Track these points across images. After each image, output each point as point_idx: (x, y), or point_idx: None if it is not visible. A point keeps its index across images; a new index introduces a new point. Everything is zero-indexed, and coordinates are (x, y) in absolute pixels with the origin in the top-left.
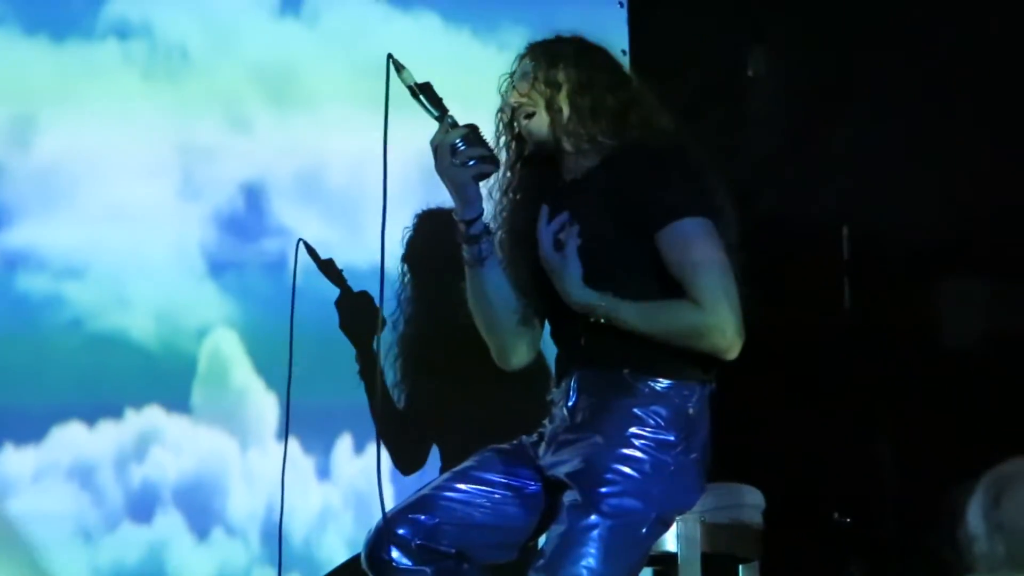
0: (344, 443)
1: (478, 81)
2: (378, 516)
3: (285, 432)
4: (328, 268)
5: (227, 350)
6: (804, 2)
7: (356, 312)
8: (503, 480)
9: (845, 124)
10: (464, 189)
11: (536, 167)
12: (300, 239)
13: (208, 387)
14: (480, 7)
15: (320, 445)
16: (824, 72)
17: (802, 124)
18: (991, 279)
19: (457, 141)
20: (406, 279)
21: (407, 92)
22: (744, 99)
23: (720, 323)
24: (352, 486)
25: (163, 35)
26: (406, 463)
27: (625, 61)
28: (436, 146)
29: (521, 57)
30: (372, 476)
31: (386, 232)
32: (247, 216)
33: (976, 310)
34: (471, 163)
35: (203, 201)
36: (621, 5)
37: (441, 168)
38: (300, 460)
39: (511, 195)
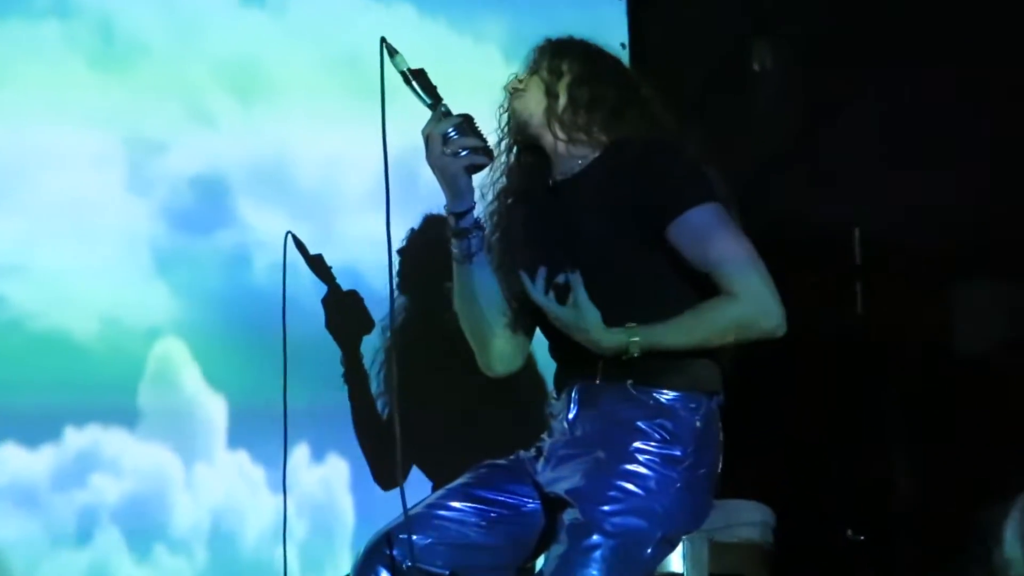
0: (302, 452)
1: (455, 74)
2: (337, 527)
3: (284, 439)
4: (316, 264)
5: (176, 354)
6: None
7: (344, 312)
8: (500, 497)
9: (856, 121)
10: (454, 180)
11: (529, 169)
12: (288, 232)
13: (155, 393)
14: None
15: (275, 454)
16: (834, 66)
17: (811, 121)
18: (1010, 283)
19: (449, 130)
20: (395, 285)
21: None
22: (749, 95)
23: (763, 307)
24: (309, 497)
25: (113, 19)
26: (387, 476)
27: (624, 55)
28: (427, 135)
29: (529, 53)
30: (331, 486)
31: (391, 226)
32: (201, 212)
33: (994, 316)
34: (463, 153)
35: (153, 195)
36: None
37: (432, 158)
38: (251, 470)
39: (503, 198)
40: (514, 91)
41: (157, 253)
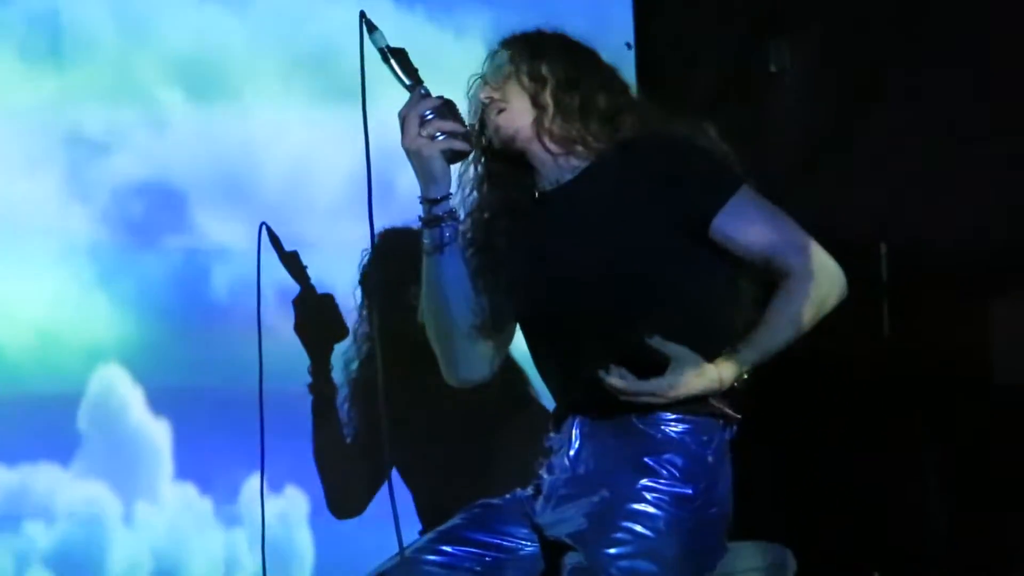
0: (253, 483)
1: (433, 69)
2: (293, 564)
3: (261, 466)
4: (291, 261)
5: (118, 374)
6: None
7: (317, 316)
8: (495, 540)
9: (880, 127)
10: (429, 163)
11: (506, 179)
12: (263, 223)
13: (94, 417)
14: None
15: (224, 484)
16: (855, 67)
17: (832, 127)
18: None
19: (427, 112)
20: (363, 309)
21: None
22: (765, 99)
23: (830, 278)
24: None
25: (55, 10)
26: (341, 506)
27: (631, 56)
28: (404, 116)
29: (494, 52)
30: (288, 519)
31: (374, 225)
32: (148, 219)
33: None
34: (439, 136)
35: (93, 200)
36: None
37: (407, 140)
38: (197, 502)
39: (479, 214)
40: (492, 103)
41: (100, 262)
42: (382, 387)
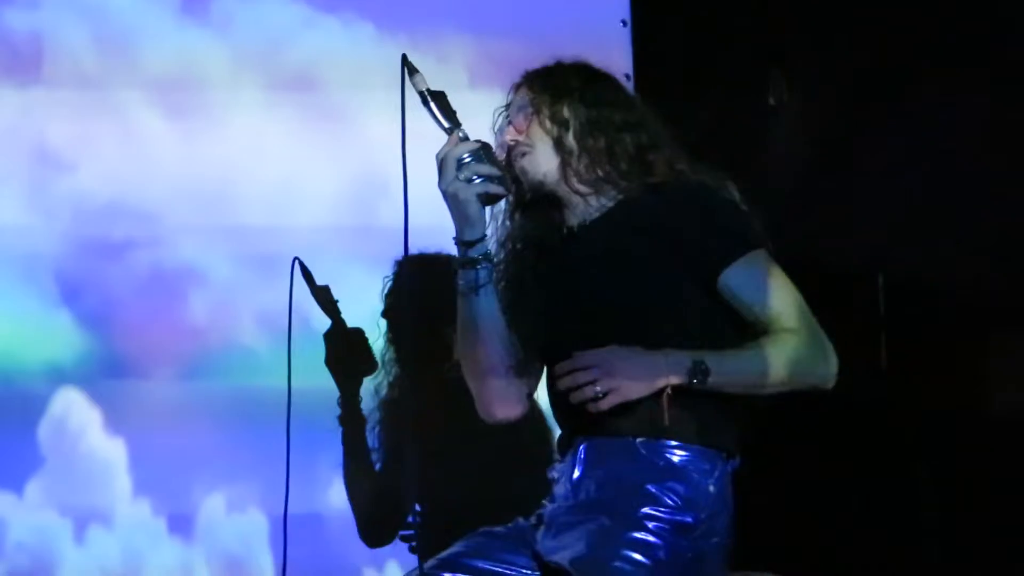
0: (216, 502)
1: (416, 95)
2: None
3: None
4: (322, 295)
5: (78, 398)
6: (831, 20)
7: (347, 350)
8: (496, 569)
9: (878, 159)
10: (465, 207)
11: (536, 212)
12: (296, 258)
13: (54, 439)
14: (425, 16)
15: (182, 503)
16: (854, 100)
17: (830, 159)
18: None
19: (465, 155)
20: (389, 337)
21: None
22: (764, 130)
23: (823, 352)
24: (223, 551)
25: (33, 28)
26: (372, 535)
27: (629, 87)
28: (442, 159)
29: (516, 87)
30: (252, 539)
31: (407, 254)
32: (121, 237)
33: None
34: (476, 180)
35: (60, 217)
36: (624, 24)
37: (444, 183)
38: (150, 521)
39: (511, 245)
40: (517, 147)
41: (63, 279)
42: (411, 422)
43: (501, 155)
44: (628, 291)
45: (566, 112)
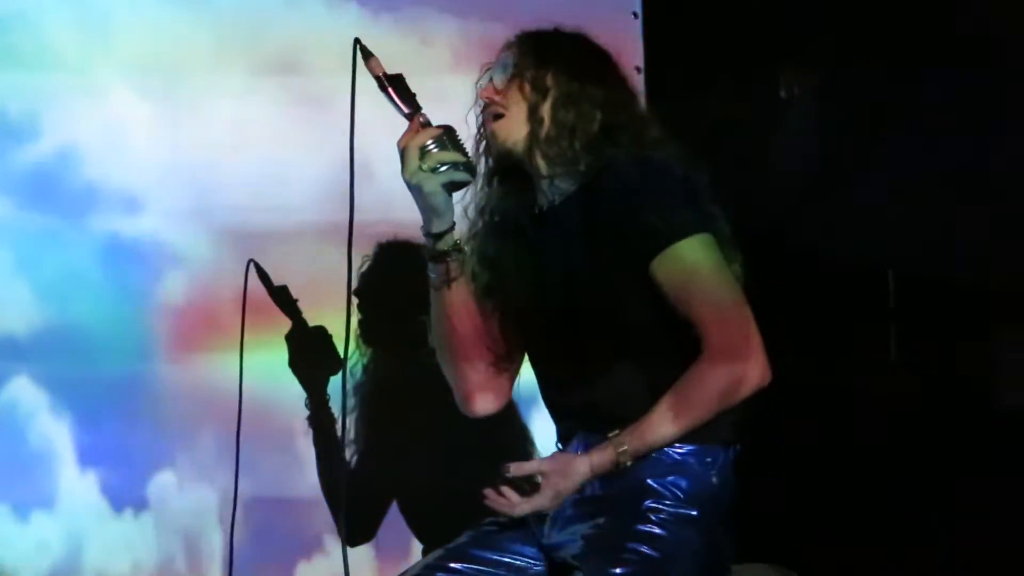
0: (166, 477)
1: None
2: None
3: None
4: (280, 296)
5: (26, 387)
6: (844, 14)
7: (309, 350)
8: (504, 559)
9: (891, 154)
10: (432, 198)
11: (509, 185)
12: (251, 260)
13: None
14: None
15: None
16: (866, 94)
17: (841, 153)
18: None
19: (428, 143)
20: (361, 322)
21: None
22: (775, 125)
23: (743, 367)
24: (174, 524)
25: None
26: (353, 532)
27: (640, 80)
28: (403, 148)
29: (508, 45)
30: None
31: (352, 254)
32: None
33: None
34: (442, 168)
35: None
36: (635, 16)
37: (407, 173)
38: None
39: (487, 217)
40: (492, 109)
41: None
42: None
43: (479, 109)
44: (588, 283)
45: (548, 80)
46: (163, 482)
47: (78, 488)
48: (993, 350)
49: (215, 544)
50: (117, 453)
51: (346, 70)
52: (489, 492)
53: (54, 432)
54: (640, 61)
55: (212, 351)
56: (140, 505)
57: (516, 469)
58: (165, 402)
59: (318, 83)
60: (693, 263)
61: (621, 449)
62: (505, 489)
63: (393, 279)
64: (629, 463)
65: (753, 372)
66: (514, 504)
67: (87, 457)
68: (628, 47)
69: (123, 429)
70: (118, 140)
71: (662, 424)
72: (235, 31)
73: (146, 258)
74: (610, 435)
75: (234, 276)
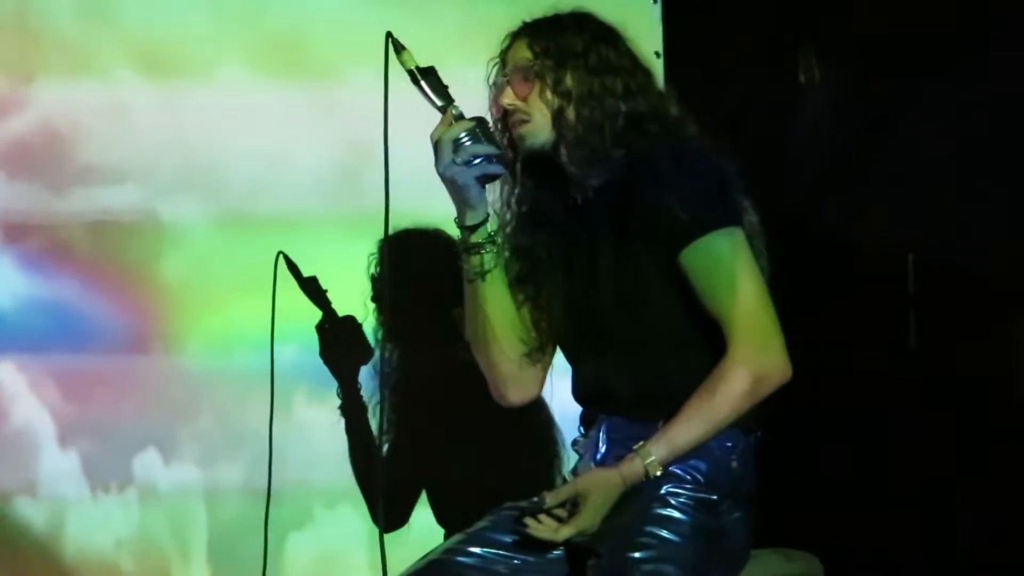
0: (151, 456)
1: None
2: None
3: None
4: (310, 287)
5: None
6: None
7: (340, 339)
8: (523, 543)
9: (910, 138)
10: (466, 191)
11: (542, 181)
12: (280, 252)
13: None
14: None
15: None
16: (885, 78)
17: (861, 137)
18: None
19: (462, 135)
20: (380, 319)
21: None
22: (794, 109)
23: (768, 364)
24: (159, 499)
25: None
26: (386, 519)
27: (658, 65)
28: (436, 141)
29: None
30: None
31: (387, 244)
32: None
33: None
34: (476, 161)
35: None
36: (655, 1)
37: (441, 166)
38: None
39: (517, 208)
40: (515, 113)
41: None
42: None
43: (497, 113)
44: (618, 272)
45: (568, 81)
46: (148, 462)
47: (61, 467)
48: (1013, 333)
49: (200, 525)
50: (101, 433)
51: (349, 52)
52: (530, 521)
53: (36, 412)
54: (659, 46)
55: (208, 335)
56: (124, 484)
57: (553, 498)
58: (156, 385)
59: (321, 64)
60: (719, 257)
61: (649, 460)
62: (543, 517)
63: (427, 267)
64: (659, 472)
65: (775, 370)
66: (556, 530)
67: (69, 437)
68: (647, 32)
69: (111, 411)
70: (117, 120)
71: (688, 430)
72: (238, 13)
73: (142, 238)
74: (635, 447)
75: (231, 258)
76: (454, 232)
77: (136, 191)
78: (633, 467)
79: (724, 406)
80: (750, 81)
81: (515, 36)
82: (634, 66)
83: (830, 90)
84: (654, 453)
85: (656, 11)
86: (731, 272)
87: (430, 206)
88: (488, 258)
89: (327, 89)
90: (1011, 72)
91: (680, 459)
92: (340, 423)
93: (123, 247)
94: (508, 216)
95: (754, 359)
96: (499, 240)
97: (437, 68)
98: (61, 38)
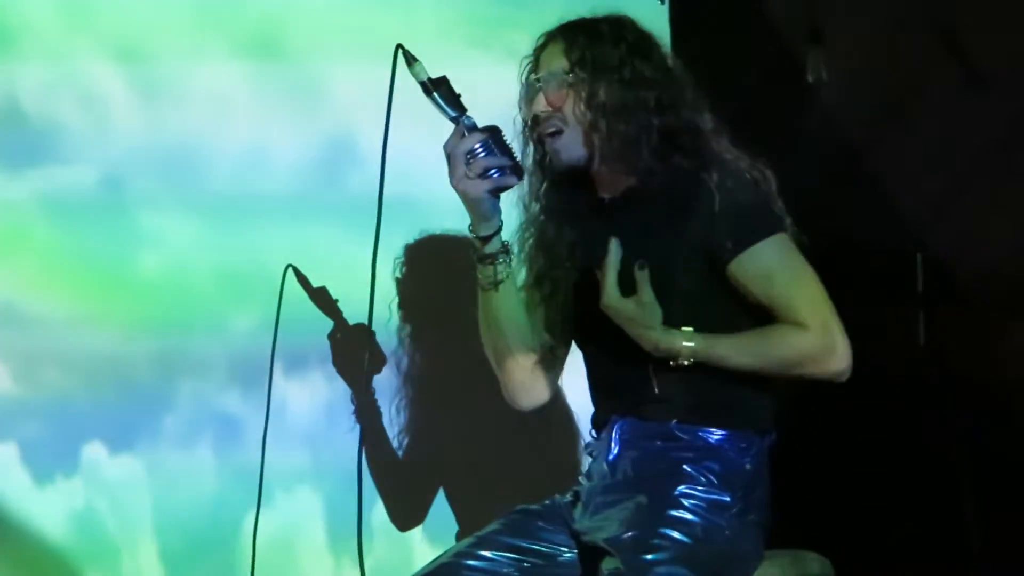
0: (96, 448)
1: (408, 43)
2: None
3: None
4: (320, 297)
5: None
6: None
7: (353, 349)
8: (534, 546)
9: (919, 136)
10: (479, 204)
11: (566, 181)
12: (289, 265)
13: None
14: None
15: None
16: (894, 77)
17: (869, 137)
18: None
19: (476, 147)
20: (403, 312)
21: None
22: (803, 109)
23: (834, 344)
24: (106, 490)
25: None
26: (403, 518)
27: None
28: (450, 153)
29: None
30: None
31: (378, 253)
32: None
33: None
34: (491, 174)
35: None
36: (662, 1)
37: (455, 179)
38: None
39: (542, 206)
40: (549, 120)
41: None
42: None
43: (527, 115)
44: (654, 273)
45: (603, 94)
46: (94, 453)
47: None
48: (1021, 333)
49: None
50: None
51: (331, 46)
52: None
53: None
54: (667, 45)
55: (187, 329)
56: (70, 473)
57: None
58: (132, 376)
59: (301, 60)
60: (781, 258)
61: (687, 343)
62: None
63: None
64: (687, 363)
65: (839, 358)
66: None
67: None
68: (654, 32)
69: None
70: (95, 116)
71: (733, 347)
72: (218, 6)
73: (120, 233)
74: (684, 329)
75: (210, 255)
76: (452, 233)
77: (109, 181)
78: (673, 340)
79: (776, 351)
80: (756, 81)
81: (550, 37)
82: (668, 79)
83: (838, 90)
84: (694, 341)
85: (664, 11)
86: (792, 270)
87: (422, 205)
88: (501, 268)
89: (307, 81)
90: (1022, 74)
91: (694, 459)
92: (356, 430)
93: (96, 238)
94: (535, 208)
95: (823, 336)
96: (512, 249)
97: (442, 56)
98: (38, 27)
